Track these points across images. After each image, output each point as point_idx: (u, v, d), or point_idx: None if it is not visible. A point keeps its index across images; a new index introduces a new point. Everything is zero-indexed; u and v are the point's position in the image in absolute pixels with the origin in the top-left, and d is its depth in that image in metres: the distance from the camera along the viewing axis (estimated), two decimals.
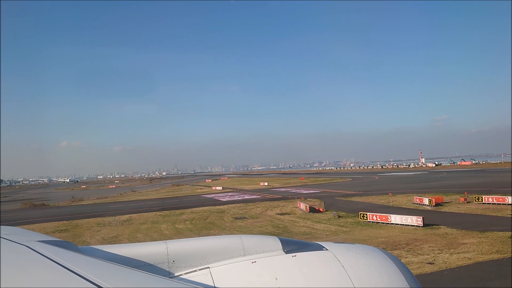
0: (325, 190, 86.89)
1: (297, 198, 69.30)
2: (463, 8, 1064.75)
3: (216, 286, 3.51)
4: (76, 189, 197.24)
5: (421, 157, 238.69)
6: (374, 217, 40.61)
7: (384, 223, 39.38)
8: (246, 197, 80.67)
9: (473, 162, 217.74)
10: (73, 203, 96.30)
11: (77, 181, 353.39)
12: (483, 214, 41.84)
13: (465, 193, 54.67)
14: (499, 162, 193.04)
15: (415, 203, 52.89)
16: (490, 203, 46.99)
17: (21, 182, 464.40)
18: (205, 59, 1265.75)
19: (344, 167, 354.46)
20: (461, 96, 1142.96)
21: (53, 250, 3.05)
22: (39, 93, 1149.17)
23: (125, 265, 3.00)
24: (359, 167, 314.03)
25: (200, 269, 3.74)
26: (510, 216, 39.20)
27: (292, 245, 4.03)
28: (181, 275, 3.69)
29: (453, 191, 63.73)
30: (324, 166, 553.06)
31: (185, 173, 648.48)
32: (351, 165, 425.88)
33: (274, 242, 4.03)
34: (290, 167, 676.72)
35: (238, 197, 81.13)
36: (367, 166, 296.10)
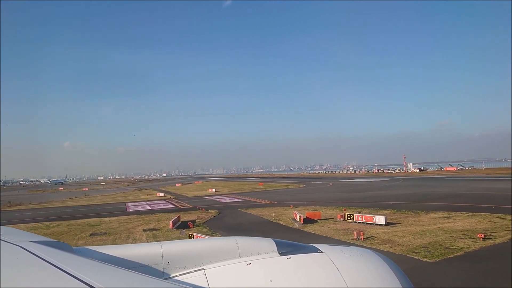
0: (248, 198, 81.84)
1: (204, 209, 64.53)
2: (467, 10, 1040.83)
3: (210, 287, 3.49)
4: (48, 191, 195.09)
5: (405, 162, 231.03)
6: (197, 237, 35.64)
7: None
8: (162, 206, 76.00)
9: (458, 168, 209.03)
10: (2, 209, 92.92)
11: (62, 182, 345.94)
12: (330, 236, 36.31)
13: (344, 209, 49.05)
14: (482, 168, 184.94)
15: (293, 219, 47.52)
16: (359, 222, 41.39)
17: (18, 183, 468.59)
18: (207, 60, 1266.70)
19: (337, 171, 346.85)
20: (464, 100, 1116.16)
21: (46, 251, 3.02)
22: (41, 94, 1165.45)
23: (119, 266, 2.96)
24: (347, 171, 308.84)
25: (194, 271, 3.72)
26: (348, 241, 33.65)
27: (287, 247, 4.03)
28: (175, 276, 3.67)
29: (362, 205, 57.94)
30: (325, 169, 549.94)
31: (186, 175, 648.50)
32: (351, 168, 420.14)
33: (269, 244, 4.04)
34: (290, 170, 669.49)
35: (155, 206, 76.23)
36: (355, 171, 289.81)
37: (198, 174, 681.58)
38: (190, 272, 3.70)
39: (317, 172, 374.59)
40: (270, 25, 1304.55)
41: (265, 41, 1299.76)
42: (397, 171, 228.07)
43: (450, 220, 39.97)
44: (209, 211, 62.17)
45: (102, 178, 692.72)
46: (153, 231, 46.72)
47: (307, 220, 45.01)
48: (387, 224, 39.07)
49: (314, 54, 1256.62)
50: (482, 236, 29.46)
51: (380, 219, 39.57)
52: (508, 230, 32.65)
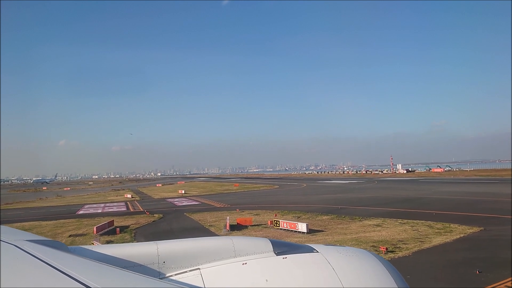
0: (207, 201, 79.43)
1: (148, 213, 62.17)
2: (465, 9, 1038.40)
3: (206, 287, 3.46)
4: (29, 191, 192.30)
5: (392, 163, 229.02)
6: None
7: None
8: (115, 209, 73.62)
9: (446, 169, 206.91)
10: None
11: (47, 181, 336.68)
12: None
13: (275, 214, 46.65)
14: (467, 170, 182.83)
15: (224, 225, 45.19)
16: (283, 229, 39.04)
17: (10, 181, 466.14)
18: (204, 59, 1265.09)
19: (329, 171, 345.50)
20: (460, 102, 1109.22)
21: (42, 250, 3.00)
22: (37, 92, 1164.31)
23: (115, 266, 2.94)
24: (337, 171, 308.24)
25: (190, 270, 3.70)
26: None
27: (283, 247, 4.02)
28: (171, 276, 3.64)
29: (310, 209, 55.60)
30: (320, 169, 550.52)
31: (181, 175, 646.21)
32: (345, 168, 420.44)
33: (265, 244, 4.02)
34: (286, 170, 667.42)
35: (108, 209, 73.80)
36: (344, 171, 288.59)
37: (192, 174, 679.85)
38: (185, 271, 3.67)
39: (307, 172, 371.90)
40: (268, 24, 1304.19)
41: (262, 40, 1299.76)
42: (385, 171, 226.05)
43: (378, 228, 37.56)
44: (154, 215, 59.75)
45: (96, 177, 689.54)
46: (77, 237, 44.34)
47: (236, 227, 42.84)
48: (309, 232, 36.73)
49: (313, 54, 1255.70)
50: (385, 249, 27.10)
51: (302, 227, 37.22)
52: (422, 241, 30.28)
